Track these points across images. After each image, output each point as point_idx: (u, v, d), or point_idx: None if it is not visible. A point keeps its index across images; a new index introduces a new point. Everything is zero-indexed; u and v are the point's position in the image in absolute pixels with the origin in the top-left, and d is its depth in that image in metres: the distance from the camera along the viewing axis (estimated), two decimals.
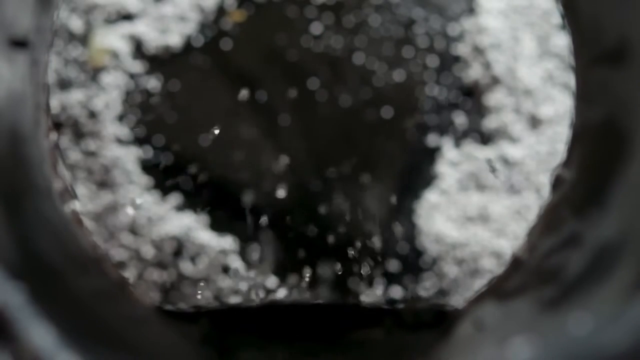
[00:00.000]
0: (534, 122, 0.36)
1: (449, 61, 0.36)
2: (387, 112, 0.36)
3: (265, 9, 0.36)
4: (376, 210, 0.36)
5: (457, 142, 0.36)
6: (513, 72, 0.36)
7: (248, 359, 0.32)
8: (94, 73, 0.36)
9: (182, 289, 0.35)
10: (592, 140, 0.33)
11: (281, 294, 0.35)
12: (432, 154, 0.36)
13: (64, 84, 0.36)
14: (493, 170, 0.34)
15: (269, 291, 0.35)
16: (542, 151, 0.36)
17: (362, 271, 0.36)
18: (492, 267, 0.35)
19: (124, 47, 0.36)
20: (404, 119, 0.36)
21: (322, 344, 0.34)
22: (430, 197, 0.36)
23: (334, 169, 0.36)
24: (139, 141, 0.36)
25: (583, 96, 0.34)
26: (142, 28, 0.36)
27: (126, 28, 0.36)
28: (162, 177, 0.36)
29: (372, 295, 0.35)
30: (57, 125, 0.35)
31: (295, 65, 0.36)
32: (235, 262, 0.35)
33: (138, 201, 0.35)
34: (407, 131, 0.36)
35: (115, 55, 0.36)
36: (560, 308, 0.28)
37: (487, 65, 0.36)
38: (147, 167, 0.36)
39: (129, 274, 0.35)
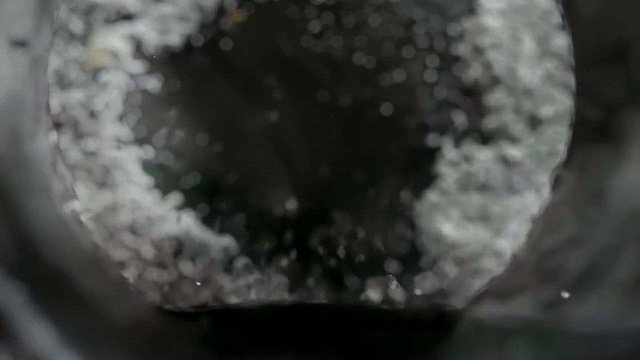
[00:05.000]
0: (534, 122, 0.36)
1: (449, 61, 0.36)
2: (387, 112, 0.36)
3: (265, 9, 0.36)
4: (376, 210, 0.36)
5: (457, 142, 0.36)
6: (513, 72, 0.36)
7: (248, 359, 0.32)
8: (94, 73, 0.36)
9: (182, 289, 0.35)
10: (592, 140, 0.33)
11: (281, 294, 0.35)
12: (432, 154, 0.36)
13: (64, 84, 0.36)
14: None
15: (269, 291, 0.35)
16: (542, 151, 0.36)
17: (362, 271, 0.36)
18: (492, 267, 0.35)
19: (124, 47, 0.36)
20: (404, 118, 0.36)
21: (322, 344, 0.34)
22: (430, 197, 0.36)
23: (334, 169, 0.36)
24: (139, 141, 0.36)
25: (583, 96, 0.34)
26: (142, 28, 0.36)
27: (126, 28, 0.36)
28: (163, 177, 0.36)
29: (372, 295, 0.35)
30: (57, 125, 0.35)
31: (295, 65, 0.36)
32: (236, 262, 0.35)
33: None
34: (407, 131, 0.36)
35: (115, 55, 0.36)
36: (560, 308, 0.28)
37: (487, 65, 0.36)
38: (147, 167, 0.36)
39: (129, 274, 0.35)
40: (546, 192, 0.36)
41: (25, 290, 0.23)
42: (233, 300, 0.35)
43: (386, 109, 0.36)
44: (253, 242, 0.36)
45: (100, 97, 0.36)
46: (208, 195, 0.36)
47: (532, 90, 0.36)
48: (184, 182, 0.36)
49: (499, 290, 0.34)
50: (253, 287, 0.35)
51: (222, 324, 0.35)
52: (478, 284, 0.35)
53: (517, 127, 0.36)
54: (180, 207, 0.35)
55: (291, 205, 0.36)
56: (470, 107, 0.36)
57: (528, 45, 0.36)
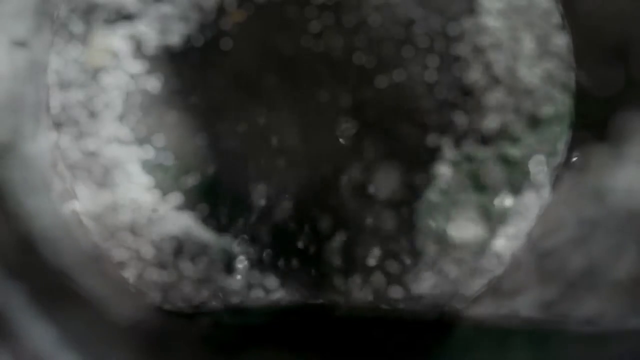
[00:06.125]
0: (534, 122, 0.36)
1: (449, 61, 0.36)
2: (387, 112, 0.36)
3: (265, 9, 0.36)
4: (376, 210, 0.36)
5: (457, 142, 0.36)
6: (513, 72, 0.36)
7: (248, 359, 0.32)
8: (94, 73, 0.36)
9: (182, 289, 0.35)
10: (592, 140, 0.33)
11: (281, 294, 0.35)
12: (432, 154, 0.36)
13: (64, 84, 0.36)
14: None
15: (269, 291, 0.35)
16: (542, 151, 0.36)
17: (362, 271, 0.36)
18: (492, 267, 0.35)
19: (124, 47, 0.36)
20: (404, 119, 0.36)
21: (322, 343, 0.34)
22: (430, 197, 0.36)
23: (334, 169, 0.36)
24: (139, 141, 0.36)
25: (583, 96, 0.34)
26: (142, 28, 0.36)
27: (126, 28, 0.36)
28: (163, 177, 0.36)
29: (371, 295, 0.35)
30: (57, 125, 0.35)
31: (295, 65, 0.36)
32: (236, 262, 0.35)
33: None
34: (407, 131, 0.36)
35: (115, 55, 0.36)
36: (560, 308, 0.28)
37: (487, 65, 0.36)
38: (147, 167, 0.36)
39: (129, 274, 0.35)
40: (546, 192, 0.36)
41: (25, 290, 0.23)
42: (233, 300, 0.35)
43: (386, 108, 0.36)
44: (253, 242, 0.36)
45: (100, 97, 0.36)
46: (208, 195, 0.36)
47: (532, 90, 0.36)
48: (184, 182, 0.36)
49: (499, 290, 0.34)
50: (253, 287, 0.35)
51: (222, 324, 0.35)
52: (478, 284, 0.35)
53: (517, 127, 0.36)
54: (180, 207, 0.36)
55: (291, 205, 0.36)
56: (470, 107, 0.36)
57: (528, 45, 0.36)
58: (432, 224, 0.36)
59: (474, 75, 0.36)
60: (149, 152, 0.36)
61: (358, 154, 0.36)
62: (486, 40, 0.36)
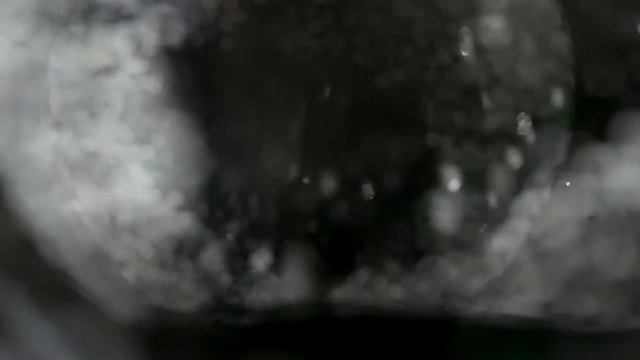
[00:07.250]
0: (534, 122, 0.36)
1: (449, 61, 0.36)
2: (386, 112, 0.36)
3: (265, 9, 0.36)
4: (376, 210, 0.36)
5: (457, 142, 0.36)
6: (513, 72, 0.36)
7: (248, 359, 0.32)
8: (94, 73, 0.36)
9: (182, 289, 0.35)
10: (592, 140, 0.33)
11: (281, 294, 0.35)
12: (432, 154, 0.36)
13: (64, 84, 0.36)
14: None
15: (269, 291, 0.35)
16: (542, 151, 0.36)
17: (362, 271, 0.36)
18: (492, 267, 0.35)
19: (124, 47, 0.36)
20: (403, 119, 0.36)
21: (322, 343, 0.34)
22: (430, 197, 0.36)
23: (334, 169, 0.36)
24: (139, 141, 0.36)
25: (583, 96, 0.34)
26: (142, 28, 0.36)
27: (126, 28, 0.36)
28: (163, 177, 0.36)
29: (372, 295, 0.35)
30: (57, 125, 0.35)
31: (295, 65, 0.36)
32: (236, 262, 0.35)
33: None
34: (406, 131, 0.36)
35: (115, 55, 0.36)
36: (560, 308, 0.28)
37: (487, 65, 0.36)
38: (147, 167, 0.36)
39: (129, 274, 0.35)
40: (546, 192, 0.36)
41: (25, 290, 0.23)
42: (233, 300, 0.35)
43: (386, 108, 0.36)
44: (253, 242, 0.36)
45: (100, 97, 0.36)
46: (208, 195, 0.36)
47: (532, 90, 0.36)
48: (184, 182, 0.36)
49: (499, 290, 0.34)
50: (253, 287, 0.35)
51: (222, 324, 0.35)
52: (478, 284, 0.35)
53: (517, 127, 0.36)
54: (180, 207, 0.36)
55: (291, 205, 0.36)
56: (470, 107, 0.36)
57: (528, 45, 0.36)
58: (432, 223, 0.36)
59: (474, 75, 0.36)
60: (149, 152, 0.36)
61: (358, 154, 0.36)
62: (486, 40, 0.36)
